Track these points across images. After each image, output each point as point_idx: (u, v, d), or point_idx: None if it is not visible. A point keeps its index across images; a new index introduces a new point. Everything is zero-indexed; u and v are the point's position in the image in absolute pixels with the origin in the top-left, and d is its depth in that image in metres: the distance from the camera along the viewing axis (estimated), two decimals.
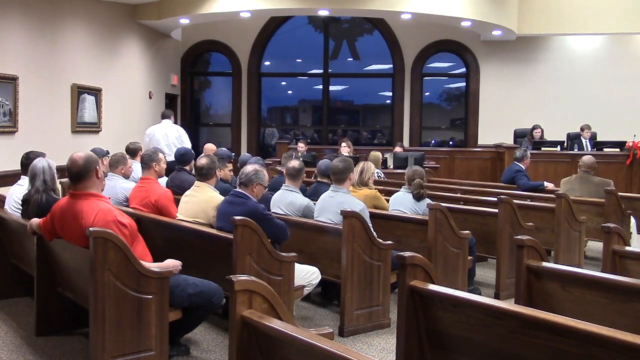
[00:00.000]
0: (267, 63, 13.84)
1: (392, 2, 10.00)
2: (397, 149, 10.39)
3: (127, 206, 5.11)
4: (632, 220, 6.20)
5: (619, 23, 11.52)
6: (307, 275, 4.29)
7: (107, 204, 3.45)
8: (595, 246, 6.85)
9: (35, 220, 3.90)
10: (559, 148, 10.25)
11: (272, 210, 5.01)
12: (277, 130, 14.42)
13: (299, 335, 2.16)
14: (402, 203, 5.40)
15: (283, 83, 14.83)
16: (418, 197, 5.34)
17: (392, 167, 9.57)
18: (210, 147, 8.47)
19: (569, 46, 12.78)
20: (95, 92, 9.37)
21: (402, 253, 2.74)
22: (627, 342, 2.01)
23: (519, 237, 3.24)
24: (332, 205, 4.67)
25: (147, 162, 5.17)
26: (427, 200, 5.27)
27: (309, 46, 13.96)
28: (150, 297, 3.33)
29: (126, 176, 5.64)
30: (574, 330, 2.16)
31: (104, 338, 3.21)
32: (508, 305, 2.46)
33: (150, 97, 11.42)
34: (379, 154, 8.77)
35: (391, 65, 13.36)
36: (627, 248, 3.68)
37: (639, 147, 9.33)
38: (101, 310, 3.20)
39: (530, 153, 8.08)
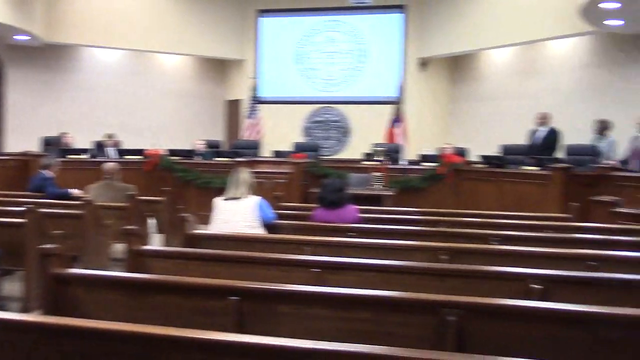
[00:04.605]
0: None
1: None
2: None
3: None
4: (152, 221, 6.84)
5: (138, 39, 12.47)
6: None
7: None
8: (121, 248, 7.24)
9: None
10: (87, 155, 10.44)
11: None
12: None
13: None
14: None
15: None
16: None
17: None
18: None
19: (97, 57, 13.18)
20: None
21: None
22: (142, 334, 2.26)
23: (43, 246, 3.26)
24: None
25: None
26: None
27: None
28: None
29: None
30: (98, 331, 2.30)
31: None
32: (30, 317, 2.46)
33: None
34: None
35: None
36: (146, 247, 4.00)
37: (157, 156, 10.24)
38: None
39: (59, 160, 8.03)
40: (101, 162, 8.26)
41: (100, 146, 11.04)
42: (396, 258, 3.95)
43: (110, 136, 11.05)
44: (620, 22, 8.94)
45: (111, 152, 10.86)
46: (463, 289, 3.33)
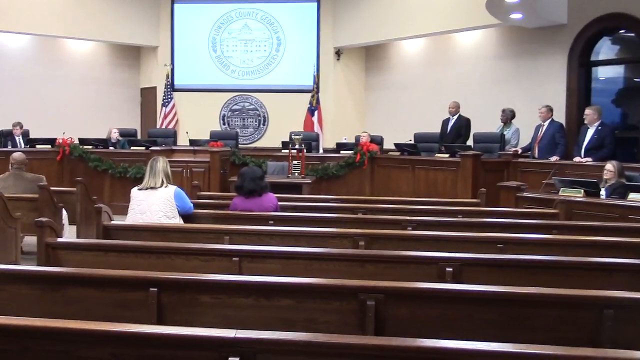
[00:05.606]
0: None
1: None
2: None
3: None
4: (64, 212, 6.60)
5: (46, 24, 11.91)
6: None
7: None
8: (32, 240, 6.96)
9: None
10: None
11: None
12: None
13: None
14: None
15: None
16: None
17: None
18: None
19: (1, 42, 12.40)
20: None
21: None
22: (57, 329, 2.21)
23: None
24: None
25: None
26: None
27: None
28: None
29: None
30: (8, 328, 2.23)
31: None
32: None
33: None
34: None
35: None
36: (59, 240, 3.86)
37: (68, 144, 9.86)
38: None
39: None
40: (9, 152, 7.89)
41: (7, 135, 10.53)
42: (316, 245, 4.02)
43: (17, 125, 10.55)
44: (520, 16, 9.35)
45: (20, 141, 10.38)
46: (382, 273, 3.44)
